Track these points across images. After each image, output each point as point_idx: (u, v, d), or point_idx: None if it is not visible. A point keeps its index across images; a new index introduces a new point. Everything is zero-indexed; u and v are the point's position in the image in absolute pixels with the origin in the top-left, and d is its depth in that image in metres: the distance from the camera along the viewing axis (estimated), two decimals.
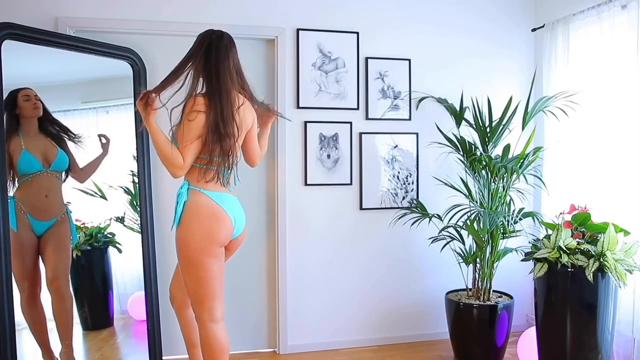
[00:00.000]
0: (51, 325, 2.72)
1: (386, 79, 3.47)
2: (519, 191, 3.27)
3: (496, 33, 3.66)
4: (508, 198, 3.19)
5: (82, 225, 2.93)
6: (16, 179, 2.61)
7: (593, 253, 2.62)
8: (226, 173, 2.25)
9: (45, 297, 2.69)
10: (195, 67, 2.20)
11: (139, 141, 3.00)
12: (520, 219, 3.15)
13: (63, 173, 2.78)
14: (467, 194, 3.28)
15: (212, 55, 2.21)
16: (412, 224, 3.36)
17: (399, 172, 3.51)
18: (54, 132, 2.75)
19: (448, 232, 3.27)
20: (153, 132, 2.12)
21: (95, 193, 2.93)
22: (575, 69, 3.28)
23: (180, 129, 2.13)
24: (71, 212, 2.80)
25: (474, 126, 3.31)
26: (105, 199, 2.97)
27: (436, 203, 3.47)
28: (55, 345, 2.72)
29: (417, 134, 3.52)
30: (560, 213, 2.90)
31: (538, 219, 3.16)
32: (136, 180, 3.03)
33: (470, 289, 3.28)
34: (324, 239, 3.41)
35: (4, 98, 2.47)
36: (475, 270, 3.24)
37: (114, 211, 3.01)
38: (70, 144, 2.82)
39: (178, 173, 2.14)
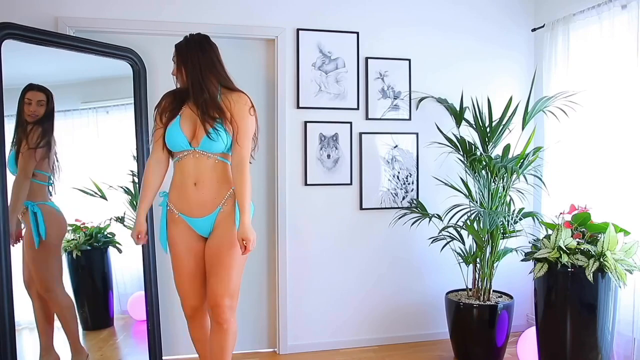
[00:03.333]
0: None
1: (386, 79, 3.47)
2: (519, 191, 3.27)
3: (496, 33, 3.66)
4: (508, 198, 3.19)
5: (82, 225, 2.93)
6: None
7: (593, 253, 2.62)
8: None
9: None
10: (193, 65, 2.24)
11: (139, 141, 3.00)
12: (520, 219, 3.15)
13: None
14: (467, 194, 3.28)
15: (207, 50, 2.28)
16: (412, 224, 3.36)
17: (399, 172, 3.51)
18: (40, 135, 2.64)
19: (448, 232, 3.27)
20: (248, 210, 2.20)
21: (95, 193, 2.93)
22: (575, 69, 3.28)
23: (241, 126, 2.22)
24: (35, 211, 2.57)
25: (474, 126, 3.31)
26: (105, 199, 2.97)
27: (436, 203, 3.47)
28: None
29: (417, 134, 3.52)
30: (560, 213, 2.90)
31: (538, 219, 3.16)
32: (136, 180, 3.03)
33: (470, 289, 3.28)
34: (324, 239, 3.41)
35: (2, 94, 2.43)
36: (475, 270, 3.24)
37: (114, 211, 3.01)
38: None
39: None
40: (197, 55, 2.24)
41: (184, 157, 2.24)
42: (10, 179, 2.53)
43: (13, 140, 2.55)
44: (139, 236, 2.32)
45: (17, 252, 2.55)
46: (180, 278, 2.32)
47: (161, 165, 2.33)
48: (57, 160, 2.74)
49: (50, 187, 2.69)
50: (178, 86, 2.35)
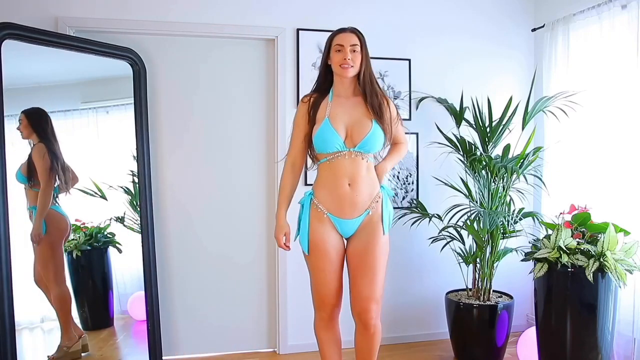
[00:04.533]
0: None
1: (386, 79, 3.46)
2: (519, 191, 3.27)
3: (496, 33, 3.66)
4: (508, 198, 3.19)
5: (82, 225, 2.94)
6: None
7: (593, 253, 2.62)
8: None
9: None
10: (368, 57, 2.38)
11: (139, 141, 3.00)
12: (520, 219, 3.15)
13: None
14: (467, 194, 3.28)
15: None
16: (412, 224, 3.36)
17: (398, 172, 3.51)
18: None
19: (448, 232, 3.27)
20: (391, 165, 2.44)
21: (95, 193, 2.94)
22: (575, 69, 3.28)
23: (399, 127, 2.43)
24: (32, 208, 2.75)
25: (474, 126, 3.31)
26: (105, 199, 2.97)
27: (436, 203, 3.46)
28: None
29: (417, 134, 3.52)
30: (560, 213, 2.90)
31: (538, 219, 3.16)
32: (136, 180, 3.03)
33: (470, 289, 3.28)
34: None
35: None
36: (475, 270, 3.24)
37: (114, 211, 3.02)
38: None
39: None
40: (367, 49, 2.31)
41: (337, 157, 2.21)
42: (11, 179, 2.54)
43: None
44: (286, 236, 2.32)
45: (22, 252, 2.56)
46: (322, 277, 2.26)
47: (298, 166, 2.34)
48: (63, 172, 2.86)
49: (55, 194, 2.81)
50: (316, 81, 2.37)
